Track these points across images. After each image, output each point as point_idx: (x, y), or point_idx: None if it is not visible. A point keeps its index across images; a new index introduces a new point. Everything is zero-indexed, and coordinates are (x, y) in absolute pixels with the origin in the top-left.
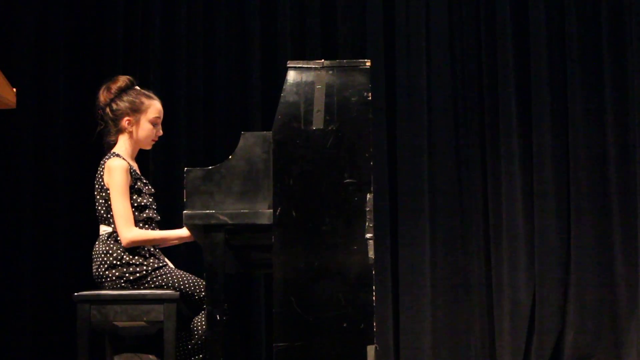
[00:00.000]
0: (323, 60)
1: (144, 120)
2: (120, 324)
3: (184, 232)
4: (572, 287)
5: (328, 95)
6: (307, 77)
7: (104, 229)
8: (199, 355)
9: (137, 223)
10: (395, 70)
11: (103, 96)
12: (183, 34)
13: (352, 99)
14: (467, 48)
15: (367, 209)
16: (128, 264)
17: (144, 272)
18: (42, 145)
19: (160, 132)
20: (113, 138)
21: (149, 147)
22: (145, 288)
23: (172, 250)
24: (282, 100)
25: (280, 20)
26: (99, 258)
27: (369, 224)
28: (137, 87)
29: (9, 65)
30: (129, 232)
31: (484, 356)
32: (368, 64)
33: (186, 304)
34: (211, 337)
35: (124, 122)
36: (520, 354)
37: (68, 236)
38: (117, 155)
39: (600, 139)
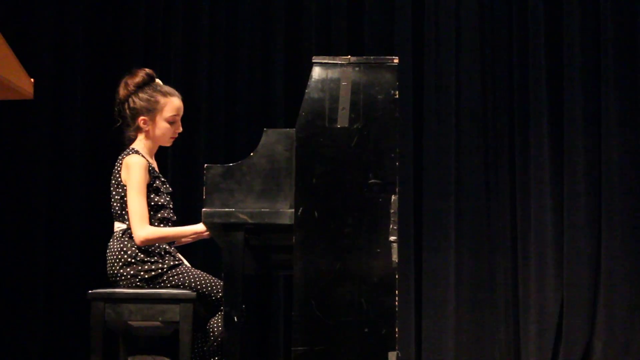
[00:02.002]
0: (349, 56)
1: (160, 119)
2: (134, 323)
3: (199, 227)
4: (601, 295)
5: (354, 92)
6: (332, 73)
7: (119, 226)
8: (215, 358)
9: (152, 223)
10: (424, 68)
11: (121, 92)
12: (205, 27)
13: (379, 97)
14: (497, 47)
15: (392, 210)
16: (143, 262)
17: (160, 271)
18: (59, 138)
19: (180, 129)
20: (132, 134)
21: (168, 144)
22: (160, 287)
23: (189, 249)
24: (306, 96)
25: (306, 14)
26: (113, 256)
27: (393, 227)
28: (157, 81)
29: (26, 55)
30: (143, 230)
31: None
32: (396, 61)
33: (203, 304)
34: (228, 339)
35: (140, 121)
36: None
37: (83, 232)
38: (136, 152)
39: (634, 141)
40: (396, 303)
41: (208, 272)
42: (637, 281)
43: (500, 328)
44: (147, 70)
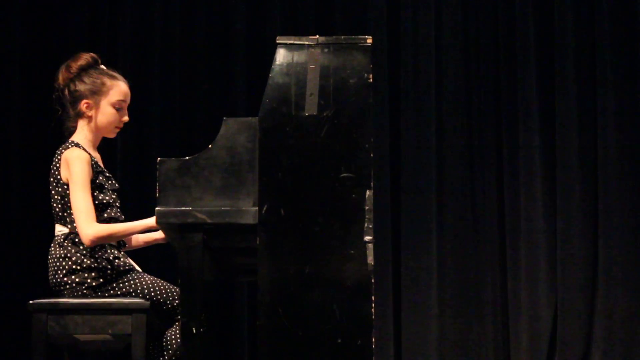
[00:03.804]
0: (317, 36)
1: (105, 103)
2: (81, 337)
3: (152, 220)
4: (599, 301)
5: (323, 76)
6: (299, 55)
7: (60, 230)
8: None
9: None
10: (400, 50)
11: (62, 76)
12: (158, 5)
13: (351, 81)
14: (482, 24)
15: (367, 207)
16: (90, 269)
17: (108, 278)
18: None
19: (126, 118)
20: (73, 124)
21: (112, 135)
22: (110, 295)
23: (141, 253)
24: (270, 81)
25: None
26: (55, 263)
27: (368, 225)
28: (102, 67)
29: None
30: (91, 228)
31: None
32: (369, 41)
33: (157, 314)
34: (186, 352)
35: (82, 105)
36: None
37: (22, 235)
38: (76, 145)
39: (632, 132)
40: (373, 310)
41: (163, 279)
42: (638, 284)
43: (488, 336)
44: (92, 53)
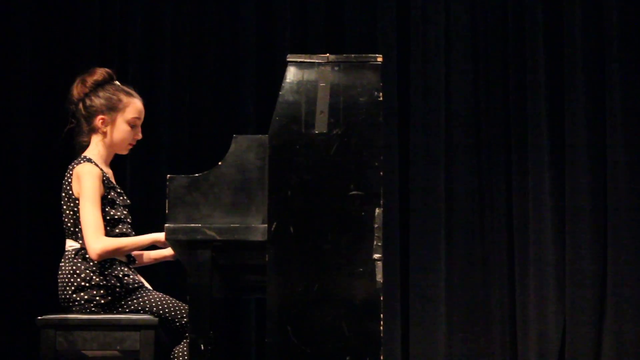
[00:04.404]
0: (328, 54)
1: (121, 120)
2: (90, 353)
3: (160, 235)
4: (608, 320)
5: (333, 94)
6: (309, 73)
7: (71, 245)
8: None
9: None
10: (410, 68)
11: (77, 90)
12: (168, 23)
13: (361, 99)
14: (491, 43)
15: (376, 225)
16: (98, 286)
17: (117, 295)
18: (2, 143)
19: (139, 136)
20: (85, 139)
21: (125, 152)
22: (118, 313)
23: (150, 270)
24: (280, 99)
25: (279, 7)
26: (65, 279)
27: (377, 243)
28: (117, 82)
29: None
30: (98, 242)
31: None
32: (379, 59)
33: (166, 331)
34: None
35: (98, 121)
36: None
37: (32, 249)
38: (88, 160)
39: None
40: (381, 328)
41: (172, 296)
42: None
43: (497, 355)
44: (107, 69)
